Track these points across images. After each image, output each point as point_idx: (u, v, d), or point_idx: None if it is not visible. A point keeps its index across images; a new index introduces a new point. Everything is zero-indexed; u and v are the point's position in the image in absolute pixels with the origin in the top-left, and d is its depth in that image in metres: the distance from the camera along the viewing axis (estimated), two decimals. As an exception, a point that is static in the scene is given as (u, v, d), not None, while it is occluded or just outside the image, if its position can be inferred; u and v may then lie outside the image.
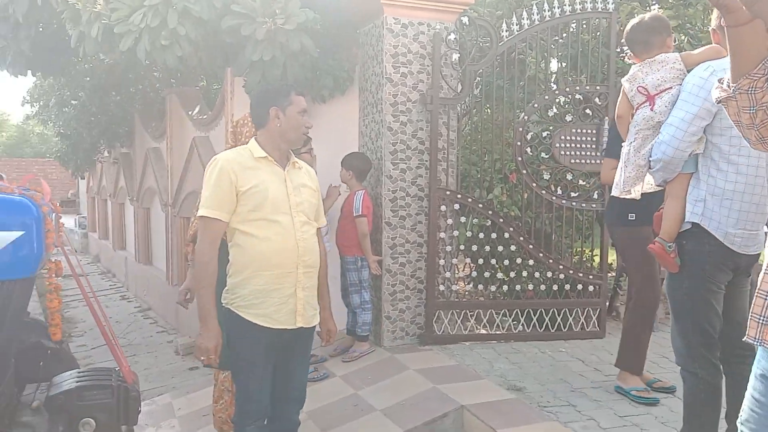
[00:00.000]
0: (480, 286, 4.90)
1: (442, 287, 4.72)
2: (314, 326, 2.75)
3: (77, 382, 2.53)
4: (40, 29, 6.49)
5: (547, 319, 4.92)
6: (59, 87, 9.67)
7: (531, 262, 4.88)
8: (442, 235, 4.68)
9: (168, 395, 4.82)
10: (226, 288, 2.61)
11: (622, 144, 2.89)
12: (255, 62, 4.62)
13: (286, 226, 2.57)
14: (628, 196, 2.89)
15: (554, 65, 5.50)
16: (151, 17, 4.25)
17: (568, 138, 4.88)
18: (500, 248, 4.81)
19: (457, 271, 4.95)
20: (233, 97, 5.99)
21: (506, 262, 4.84)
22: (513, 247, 4.83)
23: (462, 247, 4.82)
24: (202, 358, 2.55)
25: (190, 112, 7.60)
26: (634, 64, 2.86)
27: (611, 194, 3.06)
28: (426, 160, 4.66)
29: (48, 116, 10.78)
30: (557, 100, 5.07)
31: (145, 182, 9.55)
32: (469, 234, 4.78)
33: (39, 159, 23.97)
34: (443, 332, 4.71)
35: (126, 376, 2.63)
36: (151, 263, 9.96)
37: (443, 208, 4.66)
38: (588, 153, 4.90)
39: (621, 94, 2.95)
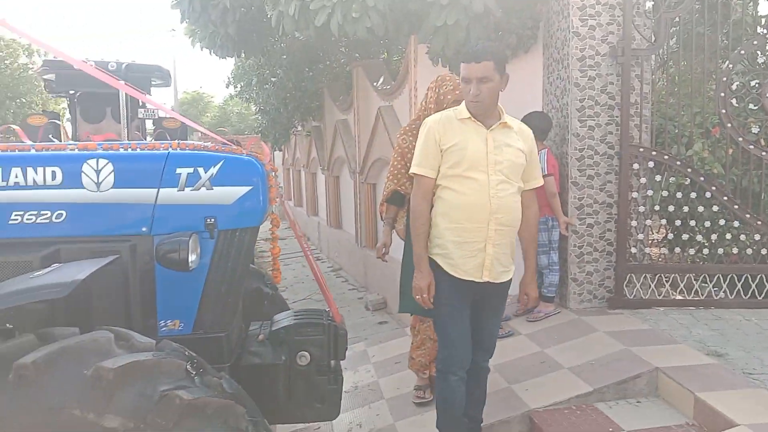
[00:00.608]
0: (677, 250, 4.62)
1: (633, 250, 4.53)
2: (506, 283, 2.83)
3: (294, 320, 2.87)
4: (244, 12, 7.16)
5: (753, 286, 4.52)
6: (259, 66, 10.61)
7: (736, 223, 4.50)
8: (635, 195, 4.48)
9: (362, 344, 5.21)
10: (429, 237, 2.80)
11: None
12: (439, 27, 4.74)
13: (481, 183, 2.68)
14: None
15: (763, 7, 4.93)
16: (343, -8, 4.53)
17: (783, 86, 4.37)
18: (700, 209, 4.49)
19: (650, 233, 4.71)
20: (416, 65, 6.18)
21: (707, 223, 4.51)
22: (715, 208, 4.48)
23: (657, 207, 4.57)
24: (418, 297, 2.78)
25: (374, 84, 7.97)
26: None
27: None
28: (616, 116, 4.47)
29: (250, 95, 11.88)
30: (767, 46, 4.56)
31: (335, 152, 10.21)
32: (664, 194, 4.51)
33: (238, 136, 26.57)
34: (635, 296, 4.54)
35: (335, 317, 2.92)
36: (341, 227, 10.68)
37: (636, 166, 4.45)
38: (808, 102, 4.37)
39: None
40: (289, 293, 8.49)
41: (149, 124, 9.61)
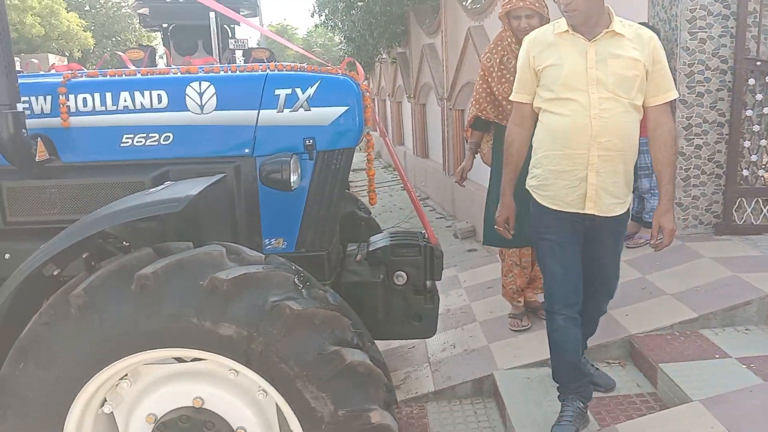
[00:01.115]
0: (794, 172, 4.28)
1: (745, 172, 4.23)
2: (620, 217, 2.52)
3: (391, 241, 2.90)
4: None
5: None
6: (345, -8, 10.44)
7: None
8: (749, 113, 4.14)
9: (453, 269, 5.24)
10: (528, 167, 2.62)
11: None
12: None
13: (583, 103, 2.37)
14: None
15: None
16: None
17: None
18: (824, 127, 4.11)
19: (765, 155, 4.38)
20: (509, -20, 5.86)
21: (831, 143, 4.13)
22: (841, 126, 4.09)
23: (774, 126, 4.22)
24: (499, 228, 2.71)
25: (464, 2, 7.66)
26: None
27: None
28: (731, 27, 4.09)
29: (335, 22, 11.77)
30: None
31: (421, 79, 10.02)
32: (783, 111, 4.15)
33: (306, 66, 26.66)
34: (745, 222, 4.27)
35: (431, 238, 2.93)
36: (428, 156, 10.60)
37: (752, 81, 4.09)
38: None
39: None
40: (378, 222, 8.59)
41: (239, 55, 9.77)
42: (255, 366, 1.87)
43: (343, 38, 12.22)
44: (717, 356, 2.90)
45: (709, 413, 2.42)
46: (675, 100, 3.65)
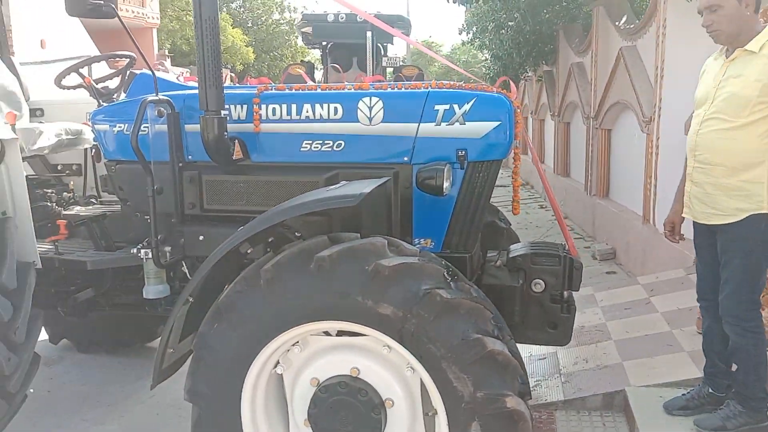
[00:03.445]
0: None
1: None
2: (728, 226, 2.67)
3: (531, 249, 3.07)
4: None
5: None
6: (494, 11, 10.64)
7: None
8: None
9: (590, 288, 5.25)
10: None
11: None
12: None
13: (696, 120, 2.73)
14: None
15: None
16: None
17: None
18: None
19: None
20: (666, 0, 5.79)
21: None
22: None
23: None
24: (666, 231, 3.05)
25: (616, 23, 7.59)
26: None
27: None
28: None
29: (483, 41, 11.99)
30: None
31: (567, 97, 9.96)
32: None
33: (464, 84, 26.92)
34: None
35: (571, 250, 3.07)
36: (569, 175, 10.49)
37: None
38: None
39: None
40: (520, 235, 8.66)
41: (389, 72, 10.31)
42: (407, 344, 2.15)
43: (489, 56, 12.40)
44: None
45: None
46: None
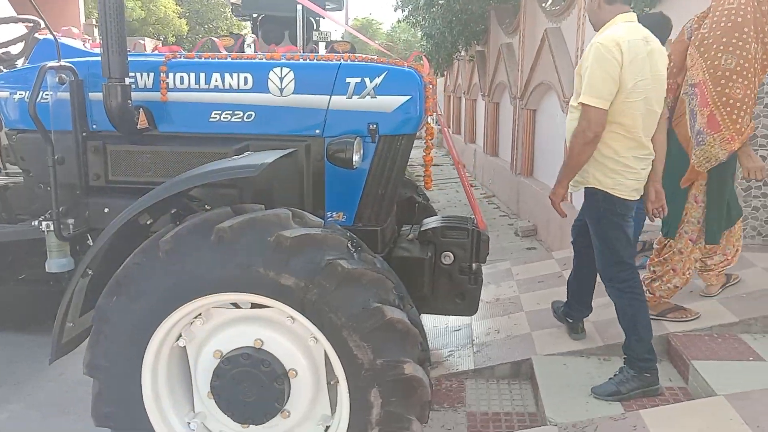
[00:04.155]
0: None
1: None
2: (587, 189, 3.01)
3: (441, 223, 3.14)
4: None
5: None
6: (427, -11, 10.66)
7: None
8: None
9: (508, 262, 5.42)
10: None
11: None
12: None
13: None
14: None
15: None
16: None
17: None
18: None
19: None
20: (587, -16, 5.94)
21: None
22: None
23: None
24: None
25: (543, 4, 7.75)
26: None
27: None
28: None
29: (416, 18, 12.01)
30: None
31: (497, 77, 10.13)
32: None
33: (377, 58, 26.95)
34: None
35: (479, 224, 3.15)
36: (497, 155, 10.71)
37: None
38: None
39: None
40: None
41: (322, 47, 10.18)
42: (308, 314, 2.17)
43: (421, 35, 12.45)
44: (751, 358, 2.99)
45: (730, 406, 2.54)
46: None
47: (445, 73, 15.57)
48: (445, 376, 3.50)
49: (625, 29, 2.78)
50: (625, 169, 2.85)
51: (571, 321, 3.61)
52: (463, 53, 12.46)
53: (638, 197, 2.93)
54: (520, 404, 3.23)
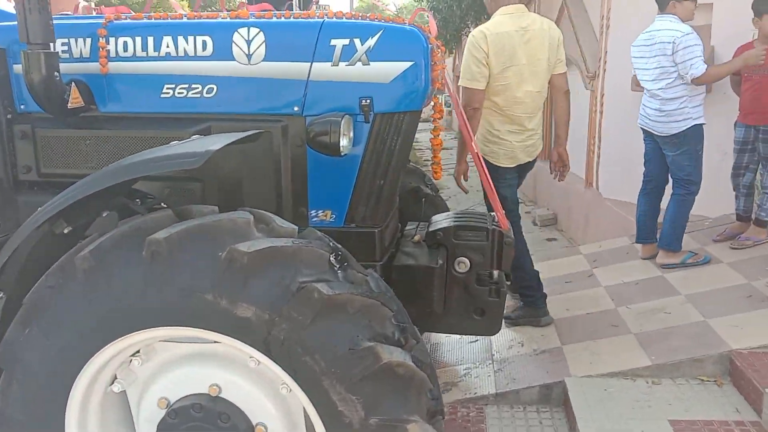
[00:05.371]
0: None
1: None
2: None
3: (454, 221, 2.56)
4: None
5: None
6: (433, -40, 9.99)
7: None
8: None
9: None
10: None
11: None
12: None
13: None
14: None
15: None
16: None
17: None
18: None
19: None
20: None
21: None
22: None
23: None
24: None
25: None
26: None
27: None
28: None
29: (424, -7, 11.32)
30: None
31: (509, 54, 9.48)
32: None
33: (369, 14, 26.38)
34: None
35: (501, 222, 2.56)
36: (511, 137, 10.07)
37: None
38: None
39: None
40: (451, 203, 8.20)
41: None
42: (275, 356, 1.59)
43: (428, 8, 11.77)
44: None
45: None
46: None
47: (454, 51, 14.83)
48: (462, 402, 2.94)
49: (497, 22, 3.19)
50: (498, 140, 3.31)
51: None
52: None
53: (513, 165, 3.37)
54: (552, 439, 2.66)
